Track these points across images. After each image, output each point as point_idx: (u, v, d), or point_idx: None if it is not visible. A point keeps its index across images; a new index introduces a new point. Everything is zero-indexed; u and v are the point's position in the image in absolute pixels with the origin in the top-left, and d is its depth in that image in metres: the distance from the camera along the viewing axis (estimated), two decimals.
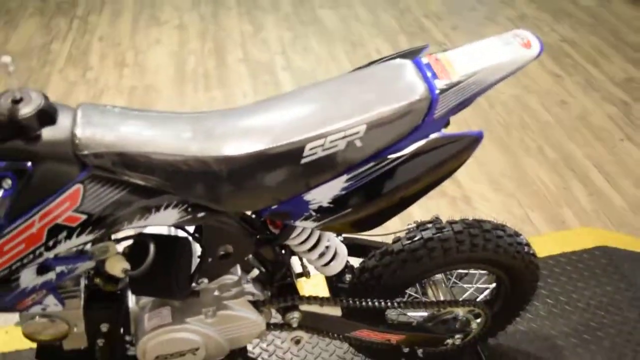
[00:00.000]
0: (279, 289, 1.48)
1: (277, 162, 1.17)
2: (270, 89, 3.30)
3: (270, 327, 1.51)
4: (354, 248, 1.66)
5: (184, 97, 3.29)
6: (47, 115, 1.09)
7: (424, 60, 1.25)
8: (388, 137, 1.19)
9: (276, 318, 1.53)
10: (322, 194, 1.22)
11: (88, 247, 1.23)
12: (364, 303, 1.50)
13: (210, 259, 1.32)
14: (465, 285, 1.81)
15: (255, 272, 1.45)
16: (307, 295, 1.48)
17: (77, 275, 1.35)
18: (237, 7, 4.12)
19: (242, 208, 1.23)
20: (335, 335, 1.57)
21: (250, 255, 1.46)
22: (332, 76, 1.32)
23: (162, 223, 1.20)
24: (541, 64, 3.42)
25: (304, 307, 1.47)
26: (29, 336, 1.34)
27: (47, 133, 1.08)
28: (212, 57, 3.60)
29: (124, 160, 1.11)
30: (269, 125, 1.19)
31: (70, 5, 4.15)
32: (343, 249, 1.51)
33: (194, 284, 1.36)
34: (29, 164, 1.06)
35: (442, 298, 1.69)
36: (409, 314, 1.89)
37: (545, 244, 2.33)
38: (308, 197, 1.22)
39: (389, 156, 1.20)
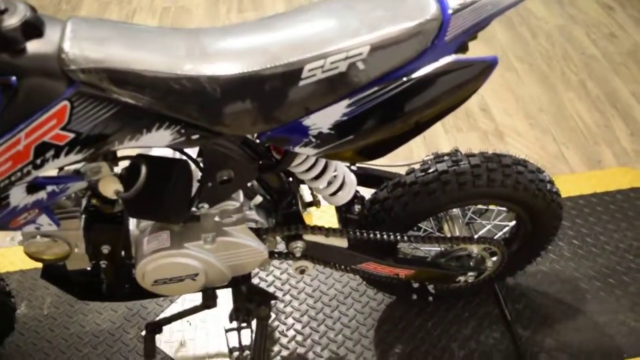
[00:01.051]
0: (283, 217, 1.44)
1: (273, 84, 1.10)
2: None
3: (274, 255, 1.47)
4: (367, 178, 1.61)
5: (217, 18, 3.21)
6: (34, 27, 1.04)
7: None
8: (394, 60, 1.11)
9: (282, 247, 1.50)
10: (322, 119, 1.15)
11: (81, 166, 1.21)
12: (371, 235, 1.45)
13: (210, 184, 1.28)
14: (483, 222, 1.74)
15: (259, 199, 1.41)
16: (313, 224, 1.43)
17: (77, 197, 1.33)
18: None
19: (237, 131, 1.17)
20: (342, 266, 1.53)
21: (255, 182, 1.42)
22: None
23: (154, 144, 1.15)
24: None
25: (308, 237, 1.42)
26: (31, 255, 1.34)
27: (33, 46, 1.03)
28: None
29: (113, 77, 1.06)
30: (267, 44, 1.12)
31: None
32: (352, 179, 1.46)
33: (194, 209, 1.33)
34: (14, 78, 1.01)
35: (457, 233, 1.63)
36: (422, 248, 1.84)
37: (577, 182, 2.22)
38: (307, 122, 1.16)
39: (395, 81, 1.12)
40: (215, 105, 1.10)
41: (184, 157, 1.30)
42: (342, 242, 1.45)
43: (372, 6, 1.13)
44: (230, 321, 1.50)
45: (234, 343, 1.52)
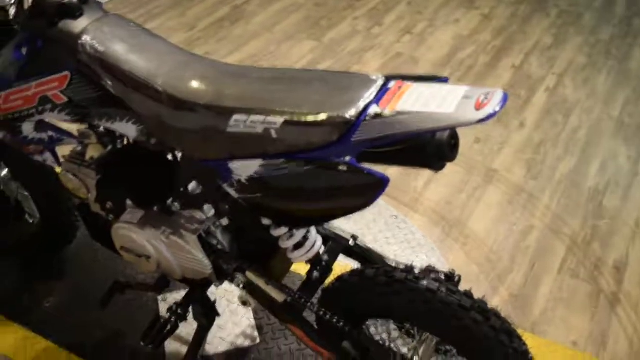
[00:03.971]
0: (244, 248, 1.54)
1: (209, 119, 1.23)
2: (515, 105, 3.10)
3: (227, 278, 1.58)
4: (355, 254, 1.61)
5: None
6: (69, 11, 1.33)
7: (391, 84, 1.15)
8: (301, 141, 1.15)
9: None
10: (241, 169, 1.25)
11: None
12: (305, 305, 1.47)
13: (182, 189, 1.45)
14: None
15: (225, 221, 1.53)
16: (266, 267, 1.51)
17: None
18: (556, 17, 3.85)
19: (178, 148, 1.32)
20: (277, 318, 1.58)
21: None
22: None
23: (125, 133, 1.37)
24: None
25: (251, 276, 1.50)
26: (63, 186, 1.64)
27: (63, 24, 1.33)
28: (489, 54, 3.49)
29: (104, 67, 1.30)
30: (225, 86, 1.25)
31: None
32: (316, 244, 1.50)
33: (169, 203, 1.51)
34: (40, 41, 1.32)
35: (417, 356, 1.55)
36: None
37: None
38: (232, 166, 1.26)
39: (298, 161, 1.17)
40: (164, 118, 1.27)
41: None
42: (278, 296, 1.50)
43: (316, 87, 1.19)
44: (170, 307, 1.64)
45: (162, 312, 1.65)
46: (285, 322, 1.55)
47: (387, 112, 1.09)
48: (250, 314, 2.01)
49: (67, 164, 1.57)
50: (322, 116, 1.13)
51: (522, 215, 2.48)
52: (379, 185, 1.12)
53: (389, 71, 3.30)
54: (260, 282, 1.51)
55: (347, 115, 1.11)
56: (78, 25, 1.32)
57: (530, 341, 1.97)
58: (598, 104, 3.11)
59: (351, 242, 1.62)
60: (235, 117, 1.20)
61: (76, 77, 1.33)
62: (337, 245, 1.61)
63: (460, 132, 1.18)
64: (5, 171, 2.08)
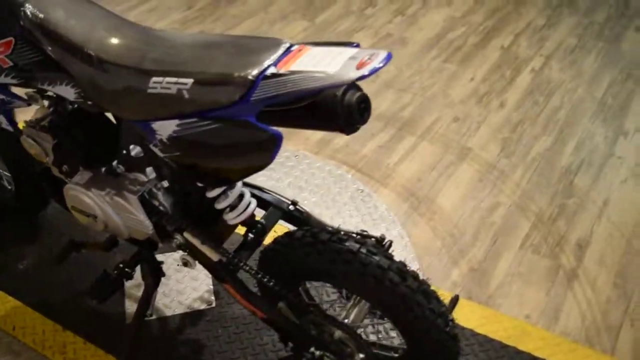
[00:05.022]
0: (184, 209, 1.62)
1: (133, 82, 1.30)
2: (498, 85, 3.10)
3: (167, 238, 1.65)
4: (295, 218, 1.68)
5: (419, 60, 3.32)
6: None
7: (294, 47, 1.22)
8: (208, 100, 1.22)
9: None
10: (162, 129, 1.32)
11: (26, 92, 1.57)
12: (238, 265, 1.54)
13: (124, 152, 1.53)
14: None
15: (166, 184, 1.60)
16: (199, 229, 1.58)
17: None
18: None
19: (107, 108, 1.40)
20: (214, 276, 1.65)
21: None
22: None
23: (65, 96, 1.45)
24: None
25: (188, 236, 1.58)
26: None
27: None
28: (479, 35, 3.50)
29: (44, 33, 1.38)
30: (148, 50, 1.32)
31: None
32: (247, 204, 1.56)
33: (114, 165, 1.59)
34: None
35: (349, 317, 1.61)
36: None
37: None
38: (154, 126, 1.33)
39: (206, 119, 1.23)
40: (94, 80, 1.35)
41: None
42: (213, 255, 1.57)
43: (225, 50, 1.25)
44: (117, 265, 1.73)
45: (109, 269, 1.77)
46: (221, 281, 1.62)
47: (282, 72, 1.16)
48: (209, 280, 2.09)
49: (27, 128, 1.66)
50: (226, 76, 1.20)
51: (490, 192, 2.52)
52: (273, 141, 1.18)
53: None
54: (196, 242, 1.58)
55: (248, 76, 1.17)
56: None
57: (479, 312, 2.04)
58: (582, 85, 3.11)
59: (291, 207, 1.69)
60: (154, 79, 1.27)
61: (20, 42, 1.42)
62: (276, 210, 1.68)
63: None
64: None
